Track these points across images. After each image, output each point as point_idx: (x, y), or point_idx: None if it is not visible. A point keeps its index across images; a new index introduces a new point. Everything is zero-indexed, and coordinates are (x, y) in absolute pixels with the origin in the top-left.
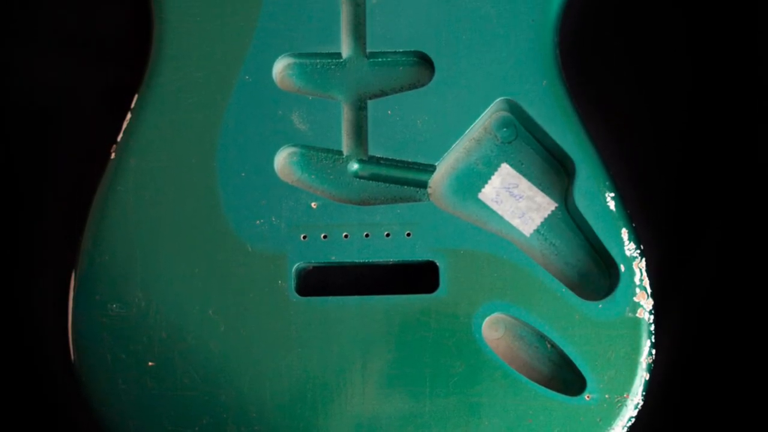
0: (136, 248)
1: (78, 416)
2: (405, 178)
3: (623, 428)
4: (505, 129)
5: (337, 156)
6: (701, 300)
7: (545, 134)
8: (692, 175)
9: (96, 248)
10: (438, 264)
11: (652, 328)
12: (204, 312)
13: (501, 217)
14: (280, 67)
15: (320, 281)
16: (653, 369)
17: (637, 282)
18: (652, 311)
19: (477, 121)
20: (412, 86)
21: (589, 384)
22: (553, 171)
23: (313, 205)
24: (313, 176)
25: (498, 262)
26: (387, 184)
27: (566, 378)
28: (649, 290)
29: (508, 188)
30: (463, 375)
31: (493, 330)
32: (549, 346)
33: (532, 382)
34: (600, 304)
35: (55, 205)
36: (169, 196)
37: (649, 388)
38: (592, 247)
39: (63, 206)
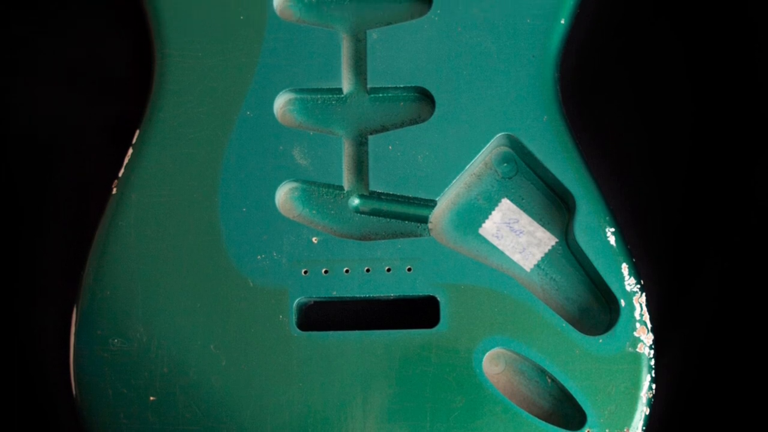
0: (137, 283)
1: None
2: (406, 213)
3: None
4: (505, 164)
5: (338, 191)
6: (701, 335)
7: (546, 169)
8: (692, 211)
9: (97, 283)
10: (439, 299)
11: (653, 362)
12: (205, 347)
13: (501, 252)
14: (281, 102)
15: (321, 316)
16: (653, 404)
17: (638, 317)
18: (653, 346)
19: (478, 156)
20: (413, 121)
21: (590, 419)
22: (554, 206)
23: (314, 240)
24: (314, 211)
25: (499, 297)
26: (388, 219)
27: (567, 413)
28: (649, 325)
29: (509, 223)
30: (463, 409)
31: (493, 365)
32: (549, 380)
33: (533, 417)
34: (600, 339)
35: (56, 240)
36: (171, 230)
37: (650, 423)
38: (593, 282)
39: (65, 240)
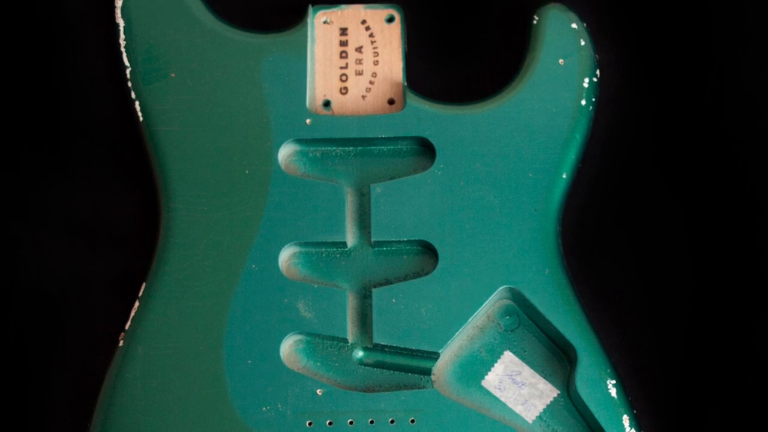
0: None
1: None
2: (409, 366)
3: None
4: (508, 317)
5: (342, 344)
6: None
7: (548, 322)
8: (693, 364)
9: None
10: None
11: None
12: None
13: (504, 404)
14: (285, 256)
15: None
16: None
17: None
18: None
19: (480, 309)
20: (416, 275)
21: None
22: (556, 359)
23: (318, 392)
24: (318, 363)
25: None
26: (391, 372)
27: None
28: None
29: (511, 376)
30: None
31: None
32: None
33: None
34: None
35: (63, 392)
36: (177, 383)
37: None
38: None
39: (71, 393)
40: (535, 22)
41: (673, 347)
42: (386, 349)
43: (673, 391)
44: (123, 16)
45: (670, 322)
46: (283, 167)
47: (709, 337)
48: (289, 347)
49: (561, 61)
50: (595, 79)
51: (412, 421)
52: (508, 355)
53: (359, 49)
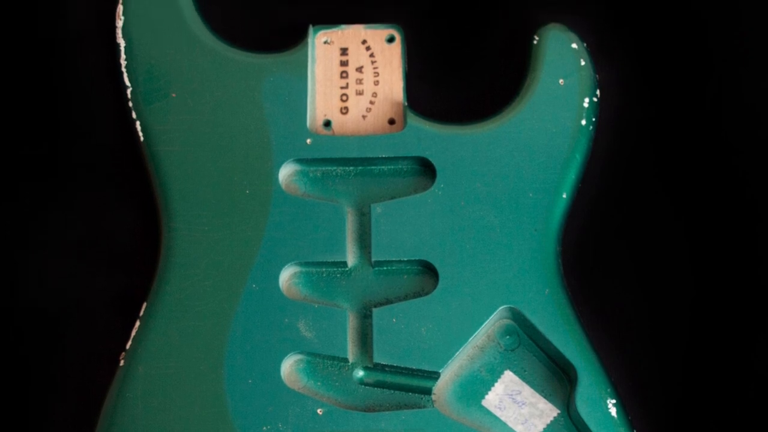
0: None
1: None
2: (409, 385)
3: None
4: (508, 337)
5: (342, 363)
6: None
7: (548, 342)
8: (693, 383)
9: None
10: None
11: None
12: None
13: (504, 424)
14: (286, 275)
15: None
16: None
17: None
18: None
19: (481, 328)
20: (417, 294)
21: None
22: (556, 378)
23: (319, 411)
24: (319, 383)
25: None
26: (392, 391)
27: None
28: None
29: (511, 395)
30: None
31: None
32: None
33: None
34: None
35: (64, 411)
36: (178, 402)
37: None
38: None
39: (72, 412)
40: (535, 42)
41: (674, 366)
42: (387, 369)
43: (674, 410)
44: (124, 37)
45: (670, 340)
46: (283, 187)
47: (709, 355)
48: (289, 367)
49: (561, 81)
50: (595, 99)
51: None
52: (508, 375)
53: (360, 69)
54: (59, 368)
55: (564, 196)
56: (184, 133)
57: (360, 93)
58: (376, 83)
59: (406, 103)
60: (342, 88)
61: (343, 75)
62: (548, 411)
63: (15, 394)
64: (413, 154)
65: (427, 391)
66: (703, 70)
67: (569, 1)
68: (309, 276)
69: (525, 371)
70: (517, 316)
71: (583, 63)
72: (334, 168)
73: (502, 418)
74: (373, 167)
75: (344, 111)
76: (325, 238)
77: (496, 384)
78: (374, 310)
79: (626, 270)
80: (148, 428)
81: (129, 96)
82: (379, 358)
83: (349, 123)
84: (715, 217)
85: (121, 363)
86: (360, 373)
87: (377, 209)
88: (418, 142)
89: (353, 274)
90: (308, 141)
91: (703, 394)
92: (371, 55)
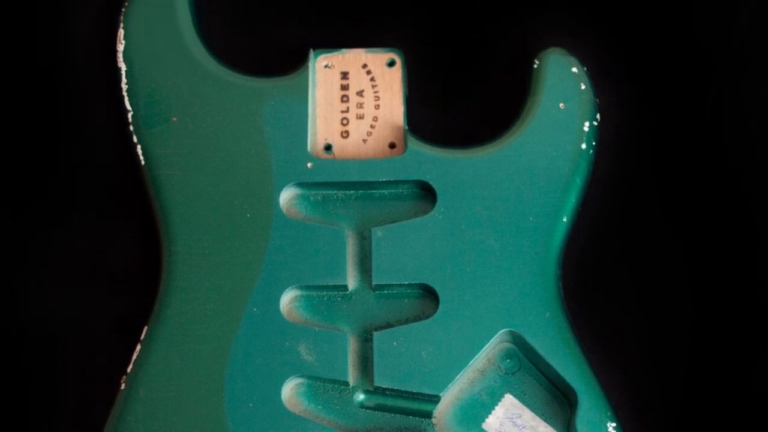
0: None
1: None
2: (410, 409)
3: None
4: (508, 360)
5: (343, 387)
6: None
7: (548, 365)
8: (693, 406)
9: None
10: None
11: None
12: None
13: None
14: (287, 299)
15: None
16: None
17: None
18: None
19: (481, 352)
20: (417, 318)
21: None
22: (556, 401)
23: None
24: (319, 406)
25: None
26: (392, 414)
27: None
28: None
29: (512, 418)
30: None
31: None
32: None
33: None
34: None
35: None
36: (178, 426)
37: None
38: None
39: None
40: (535, 66)
41: (674, 388)
42: (387, 392)
43: None
44: (125, 61)
45: (670, 363)
46: (284, 211)
47: (709, 378)
48: (290, 390)
49: (561, 105)
50: (595, 123)
51: None
52: (508, 398)
53: (360, 93)
54: (60, 391)
55: (564, 219)
56: (184, 157)
57: (360, 117)
58: (377, 107)
59: (406, 127)
60: (343, 111)
61: (344, 99)
62: None
63: (16, 416)
64: (414, 178)
65: (428, 415)
66: (703, 93)
67: (569, 24)
68: (310, 299)
69: (525, 394)
70: (517, 340)
71: (583, 87)
72: (335, 192)
73: None
74: (373, 191)
75: (345, 135)
76: (325, 261)
77: (496, 407)
78: (375, 333)
79: (626, 293)
80: None
81: (130, 120)
82: (379, 382)
83: (350, 147)
84: (715, 239)
85: (122, 386)
86: (361, 397)
87: (378, 233)
88: (419, 166)
89: (354, 298)
90: (309, 165)
91: (703, 416)
92: (372, 79)
